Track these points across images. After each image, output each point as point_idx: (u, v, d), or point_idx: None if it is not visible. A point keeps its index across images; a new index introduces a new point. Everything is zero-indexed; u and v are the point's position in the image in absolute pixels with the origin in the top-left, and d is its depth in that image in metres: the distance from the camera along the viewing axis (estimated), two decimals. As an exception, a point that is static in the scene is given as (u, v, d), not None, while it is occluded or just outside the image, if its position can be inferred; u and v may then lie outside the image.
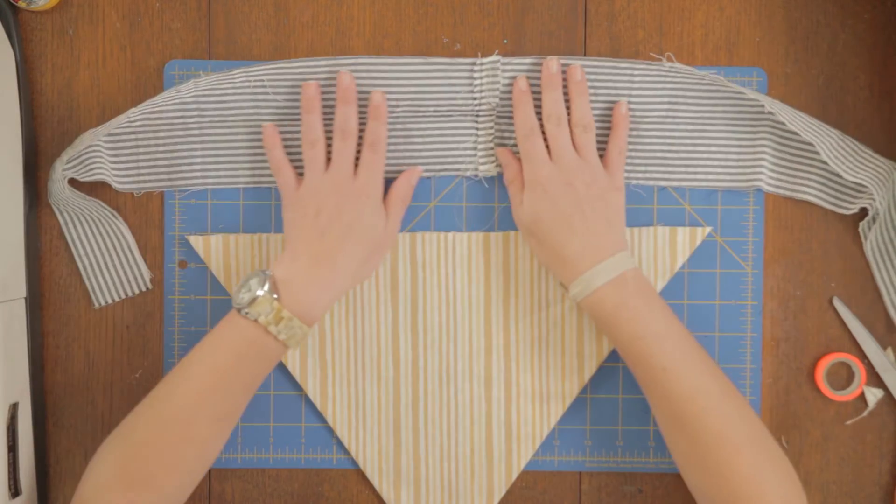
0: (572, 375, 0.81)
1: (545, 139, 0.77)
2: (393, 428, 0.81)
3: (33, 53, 0.81)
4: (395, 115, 0.80)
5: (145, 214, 0.82)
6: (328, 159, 0.77)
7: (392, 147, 0.80)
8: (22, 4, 0.79)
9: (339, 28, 0.81)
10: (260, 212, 0.81)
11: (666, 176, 0.81)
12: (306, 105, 0.77)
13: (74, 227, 0.81)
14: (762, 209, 0.82)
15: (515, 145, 0.79)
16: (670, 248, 0.81)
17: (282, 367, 0.82)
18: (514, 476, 0.81)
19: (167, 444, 0.71)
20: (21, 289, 0.78)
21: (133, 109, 0.78)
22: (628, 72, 0.79)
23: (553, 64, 0.78)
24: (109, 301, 0.81)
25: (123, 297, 0.81)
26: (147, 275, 0.81)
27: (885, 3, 0.81)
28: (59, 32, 0.81)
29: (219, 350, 0.73)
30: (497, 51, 0.81)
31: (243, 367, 0.73)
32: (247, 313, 0.72)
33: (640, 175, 0.81)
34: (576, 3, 0.82)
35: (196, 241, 0.81)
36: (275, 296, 0.72)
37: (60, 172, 0.77)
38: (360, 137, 0.78)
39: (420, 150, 0.81)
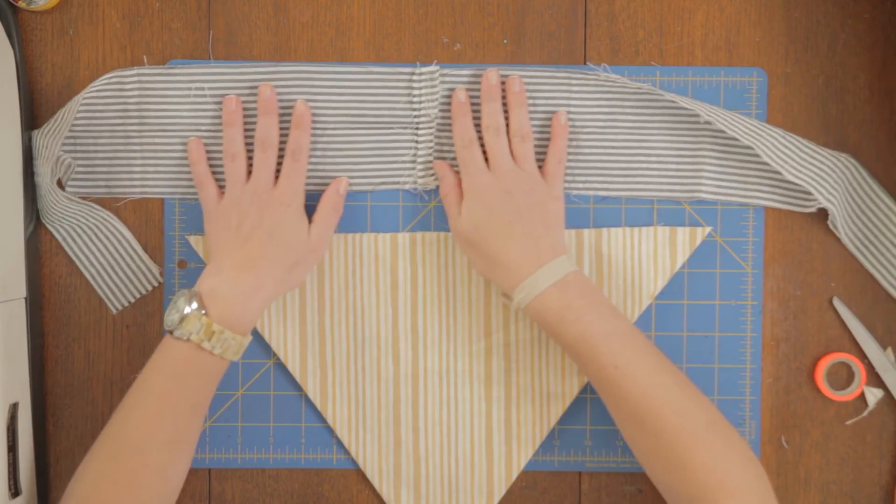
0: (572, 375, 0.81)
1: (483, 150, 0.78)
2: (393, 428, 0.81)
3: (33, 53, 0.81)
4: (330, 125, 0.80)
5: (145, 215, 0.82)
6: (250, 172, 0.77)
7: (330, 158, 0.80)
8: (22, 4, 0.79)
9: (339, 28, 0.81)
10: (260, 212, 0.81)
11: (605, 185, 0.81)
12: (227, 119, 0.78)
13: (73, 240, 0.81)
14: (762, 209, 0.81)
15: (454, 158, 0.80)
16: (670, 248, 0.81)
17: (282, 367, 0.82)
18: (514, 476, 0.81)
19: (124, 475, 0.71)
20: (21, 289, 0.78)
21: (78, 97, 0.79)
22: (566, 82, 0.80)
23: (492, 75, 0.78)
24: (126, 304, 0.81)
25: (138, 296, 0.81)
26: (155, 269, 0.81)
27: (885, 3, 0.81)
28: (59, 32, 0.81)
29: (159, 375, 0.73)
30: (436, 61, 0.80)
31: (185, 387, 0.73)
32: (179, 334, 0.72)
33: (579, 185, 0.81)
34: (576, 3, 0.82)
35: (196, 241, 0.81)
36: (203, 311, 0.72)
37: (49, 180, 0.78)
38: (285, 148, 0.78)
39: (359, 162, 0.81)
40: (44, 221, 0.80)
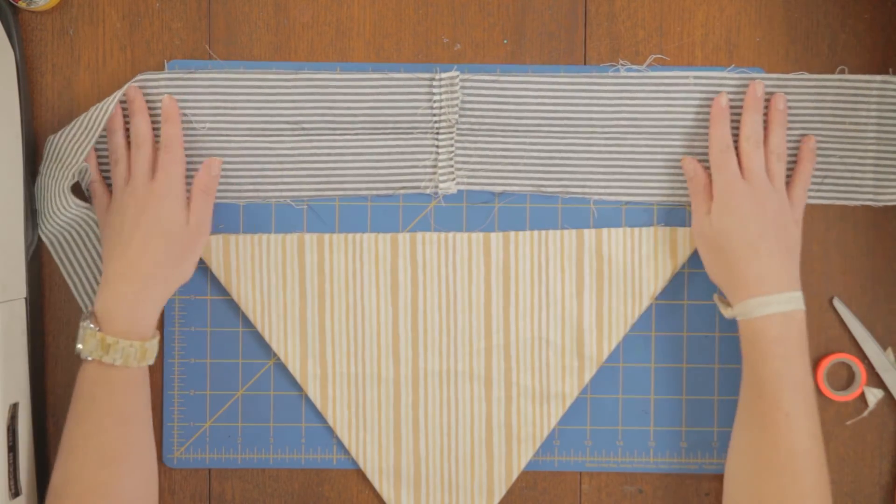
0: (572, 375, 0.81)
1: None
2: (393, 428, 0.81)
3: (33, 53, 0.81)
4: (350, 131, 0.80)
5: (145, 214, 0.82)
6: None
7: (349, 164, 0.81)
8: (22, 4, 0.79)
9: (339, 28, 0.82)
10: (260, 212, 0.81)
11: (633, 191, 0.82)
12: (111, 127, 0.79)
13: (61, 246, 0.80)
14: (762, 209, 0.82)
15: (477, 163, 0.80)
16: (670, 248, 0.81)
17: (282, 367, 0.82)
18: (515, 476, 0.81)
19: (73, 499, 0.72)
20: (21, 289, 0.78)
21: (105, 103, 0.79)
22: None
23: (759, 87, 0.79)
24: None
25: None
26: None
27: (885, 3, 0.81)
28: (59, 32, 0.81)
29: (77, 400, 0.74)
30: (455, 69, 0.80)
31: (100, 404, 0.73)
32: (83, 356, 0.73)
33: (607, 190, 0.82)
34: (576, 3, 0.82)
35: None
36: (97, 328, 0.73)
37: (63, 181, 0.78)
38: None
39: (379, 167, 0.81)
40: (38, 222, 0.80)
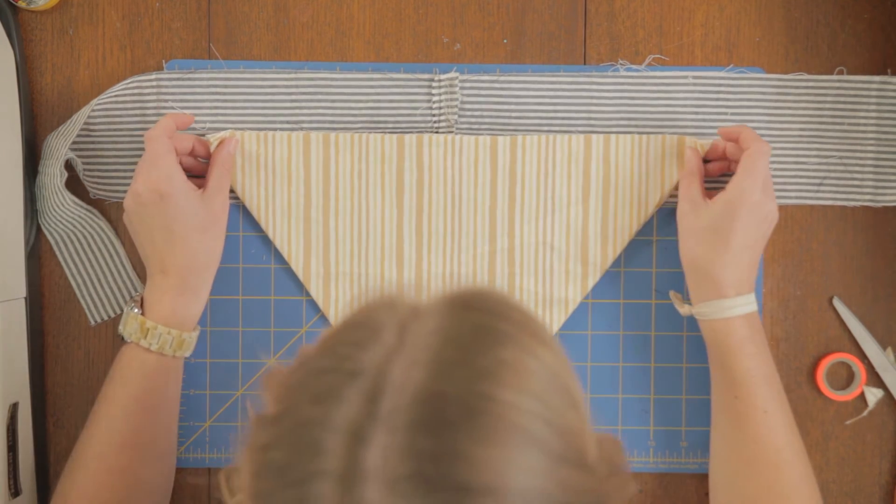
0: (576, 281, 0.81)
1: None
2: None
3: (33, 53, 0.81)
4: (350, 131, 0.80)
5: (145, 214, 0.82)
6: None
7: None
8: (22, 4, 0.79)
9: (339, 28, 0.82)
10: (260, 212, 0.81)
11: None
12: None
13: (66, 245, 0.81)
14: (762, 209, 0.81)
15: None
16: (678, 157, 0.80)
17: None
18: None
19: (90, 481, 0.72)
20: (21, 289, 0.78)
21: (95, 101, 0.79)
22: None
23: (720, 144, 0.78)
24: (105, 318, 0.81)
25: (119, 312, 0.81)
26: (141, 288, 0.81)
27: (885, 3, 0.81)
28: (59, 32, 0.81)
29: (110, 381, 0.75)
30: (454, 70, 0.80)
31: (132, 388, 0.74)
32: (123, 336, 0.75)
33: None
34: (576, 3, 0.82)
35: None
36: (139, 311, 0.74)
37: (59, 179, 0.78)
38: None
39: None
40: (40, 222, 0.80)
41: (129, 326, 0.74)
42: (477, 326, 0.49)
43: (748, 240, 0.74)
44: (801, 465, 0.74)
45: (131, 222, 0.76)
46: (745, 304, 0.74)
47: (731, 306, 0.74)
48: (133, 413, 0.74)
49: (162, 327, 0.74)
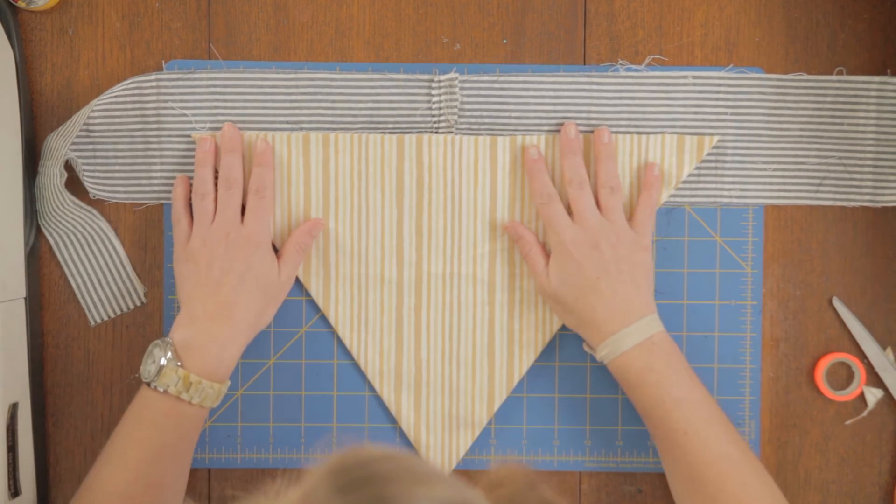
0: None
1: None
2: (395, 330, 0.81)
3: (33, 53, 0.81)
4: (349, 132, 0.80)
5: (145, 214, 0.82)
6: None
7: None
8: (22, 4, 0.79)
9: (339, 28, 0.82)
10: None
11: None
12: (200, 158, 0.78)
13: (66, 246, 0.81)
14: (762, 209, 0.81)
15: None
16: (678, 156, 0.80)
17: (281, 367, 0.82)
18: (516, 381, 0.81)
19: None
20: (21, 289, 0.78)
21: (94, 101, 0.79)
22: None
23: (571, 129, 0.78)
24: (105, 318, 0.81)
25: (118, 313, 0.81)
26: (141, 289, 0.81)
27: (885, 3, 0.81)
28: (59, 32, 0.81)
29: (138, 424, 0.73)
30: (454, 70, 0.80)
31: (165, 436, 0.73)
32: (156, 386, 0.72)
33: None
34: (576, 3, 0.82)
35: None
36: (178, 363, 0.72)
37: (59, 180, 0.78)
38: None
39: None
40: (40, 223, 0.80)
41: (168, 378, 0.72)
42: None
43: (593, 285, 0.74)
44: (744, 471, 0.72)
45: (198, 250, 0.75)
46: (634, 334, 0.74)
47: (616, 342, 0.74)
48: (163, 459, 0.73)
49: (206, 382, 0.72)
